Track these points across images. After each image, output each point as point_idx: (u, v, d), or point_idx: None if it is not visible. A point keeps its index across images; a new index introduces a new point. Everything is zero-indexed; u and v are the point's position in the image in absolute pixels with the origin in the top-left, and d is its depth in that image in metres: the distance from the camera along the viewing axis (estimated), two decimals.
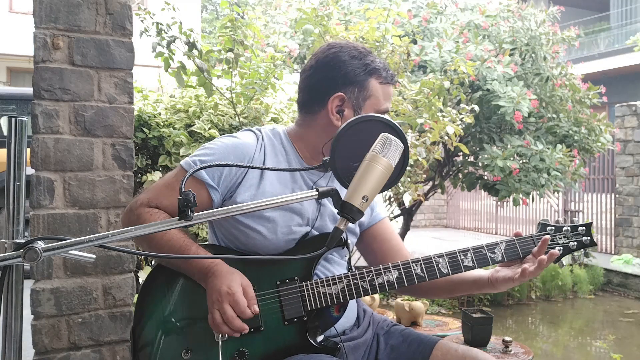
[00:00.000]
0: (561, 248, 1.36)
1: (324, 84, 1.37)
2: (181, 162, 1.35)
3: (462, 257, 1.33)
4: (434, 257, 1.32)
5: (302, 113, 1.43)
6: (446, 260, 1.32)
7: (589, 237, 1.38)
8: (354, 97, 1.35)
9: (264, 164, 1.34)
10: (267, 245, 1.33)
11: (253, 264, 1.31)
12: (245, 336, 1.27)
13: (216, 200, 1.32)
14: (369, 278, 1.31)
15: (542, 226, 1.38)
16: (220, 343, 1.24)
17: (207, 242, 1.46)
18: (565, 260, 1.41)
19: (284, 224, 1.34)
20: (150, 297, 1.34)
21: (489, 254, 1.34)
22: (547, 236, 1.32)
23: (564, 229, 1.37)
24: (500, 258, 1.34)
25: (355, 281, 1.30)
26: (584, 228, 1.38)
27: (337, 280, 1.30)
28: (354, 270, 1.33)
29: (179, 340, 1.29)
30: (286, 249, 1.35)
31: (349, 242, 1.39)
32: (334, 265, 1.42)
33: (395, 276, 1.31)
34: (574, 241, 1.37)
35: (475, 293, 1.42)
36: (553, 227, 1.37)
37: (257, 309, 1.22)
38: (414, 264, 1.32)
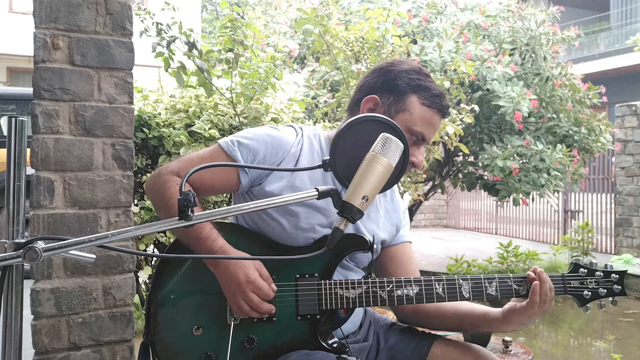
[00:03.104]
0: (589, 293, 1.32)
1: (367, 86, 1.40)
2: (220, 140, 1.37)
3: (487, 284, 1.30)
4: (458, 280, 1.30)
5: (347, 114, 1.46)
6: (469, 284, 1.30)
7: (620, 286, 1.33)
8: (387, 104, 1.36)
9: (297, 160, 1.35)
10: (285, 237, 1.34)
11: (273, 253, 1.32)
12: (258, 324, 1.29)
13: (244, 183, 1.34)
14: (388, 288, 1.30)
15: (575, 267, 1.35)
16: (232, 326, 1.25)
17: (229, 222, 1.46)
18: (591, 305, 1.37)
19: (306, 221, 1.34)
20: (167, 270, 1.34)
21: (515, 285, 1.30)
22: (535, 281, 1.27)
23: (597, 273, 1.33)
24: (524, 292, 1.30)
25: (374, 289, 1.29)
26: (617, 276, 1.33)
27: (356, 285, 1.30)
28: (373, 277, 1.32)
29: (191, 316, 1.30)
30: (303, 246, 1.35)
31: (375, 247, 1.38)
32: (350, 274, 1.41)
33: (416, 292, 1.30)
34: (604, 288, 1.33)
35: (484, 329, 1.39)
36: (586, 270, 1.33)
37: (275, 287, 1.26)
38: (436, 283, 1.30)
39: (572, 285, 1.32)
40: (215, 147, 1.37)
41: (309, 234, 1.35)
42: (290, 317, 1.29)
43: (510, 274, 1.32)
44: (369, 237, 1.38)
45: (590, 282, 1.33)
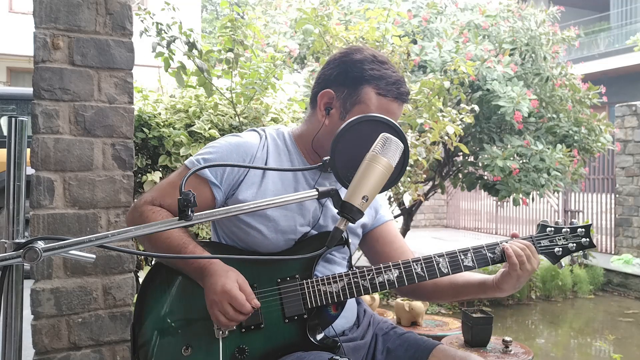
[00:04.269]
0: (560, 249, 1.37)
1: (323, 80, 1.39)
2: (185, 162, 1.37)
3: (462, 256, 1.33)
4: (434, 257, 1.32)
5: (308, 107, 1.46)
6: (446, 259, 1.32)
7: (587, 239, 1.38)
8: (342, 98, 1.34)
9: (266, 163, 1.35)
10: (266, 244, 1.34)
11: (253, 262, 1.31)
12: (246, 333, 1.28)
13: (219, 198, 1.33)
14: (369, 277, 1.31)
15: (542, 227, 1.39)
16: (221, 340, 1.25)
17: (209, 240, 1.46)
18: (565, 261, 1.42)
19: (285, 224, 1.34)
20: (150, 294, 1.34)
21: (489, 254, 1.34)
22: (506, 245, 1.32)
23: (563, 230, 1.38)
24: (500, 258, 1.34)
25: (355, 279, 1.30)
26: (583, 230, 1.38)
27: (337, 279, 1.30)
28: (354, 269, 1.33)
29: (178, 336, 1.29)
30: (285, 249, 1.35)
31: (350, 241, 1.38)
32: (335, 266, 1.42)
33: (396, 275, 1.31)
34: (573, 242, 1.38)
35: (481, 297, 1.40)
36: (552, 229, 1.38)
37: (257, 302, 1.23)
38: (414, 263, 1.32)
39: (542, 245, 1.37)
40: (183, 169, 1.37)
41: (290, 235, 1.35)
42: (277, 322, 1.29)
43: (484, 244, 1.36)
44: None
45: (559, 239, 1.37)
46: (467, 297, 1.43)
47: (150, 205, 1.33)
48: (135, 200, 1.43)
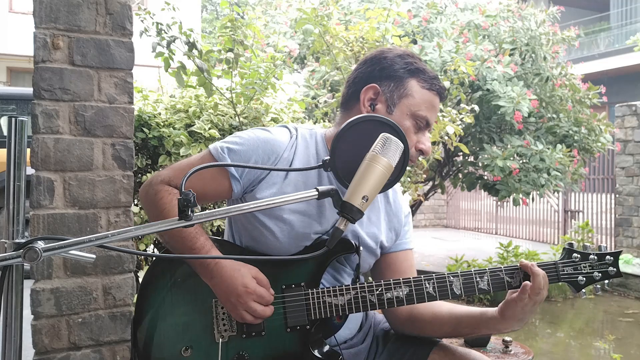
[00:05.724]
0: (584, 278, 1.28)
1: (362, 77, 1.35)
2: (210, 147, 1.34)
3: (478, 278, 1.26)
4: (448, 276, 1.26)
5: (341, 110, 1.41)
6: (460, 280, 1.26)
7: (615, 268, 1.28)
8: (389, 92, 1.32)
9: (291, 164, 1.31)
10: (277, 246, 1.30)
11: (259, 265, 1.28)
12: (247, 339, 1.26)
13: (236, 191, 1.30)
14: (377, 292, 1.26)
15: (567, 252, 1.30)
16: (220, 344, 1.24)
17: (219, 238, 1.44)
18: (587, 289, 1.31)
19: (301, 230, 1.30)
20: (152, 290, 1.33)
21: (507, 277, 1.26)
22: (532, 264, 1.24)
23: (590, 257, 1.29)
24: (517, 283, 1.26)
25: (363, 294, 1.26)
26: (612, 258, 1.29)
27: (344, 291, 1.26)
28: (361, 280, 1.29)
29: (179, 337, 1.27)
30: (296, 254, 1.32)
31: (364, 256, 1.35)
32: (343, 275, 1.39)
33: (406, 292, 1.26)
34: (599, 271, 1.28)
35: (482, 331, 1.32)
36: (579, 255, 1.29)
37: (272, 291, 1.23)
38: (426, 282, 1.26)
39: (565, 273, 1.28)
40: (206, 153, 1.34)
41: (303, 242, 1.31)
42: (279, 330, 1.26)
43: (502, 266, 1.28)
44: (369, 241, 1.36)
45: (584, 266, 1.28)
46: (467, 329, 1.35)
47: (167, 185, 1.30)
48: (152, 174, 1.39)
